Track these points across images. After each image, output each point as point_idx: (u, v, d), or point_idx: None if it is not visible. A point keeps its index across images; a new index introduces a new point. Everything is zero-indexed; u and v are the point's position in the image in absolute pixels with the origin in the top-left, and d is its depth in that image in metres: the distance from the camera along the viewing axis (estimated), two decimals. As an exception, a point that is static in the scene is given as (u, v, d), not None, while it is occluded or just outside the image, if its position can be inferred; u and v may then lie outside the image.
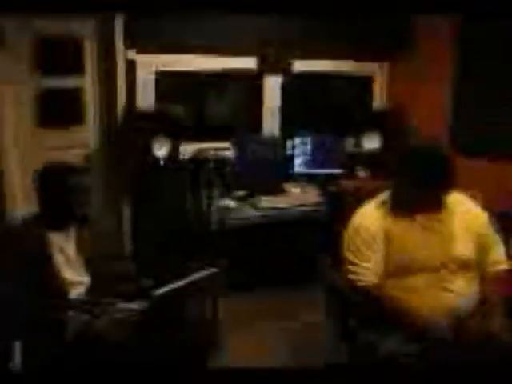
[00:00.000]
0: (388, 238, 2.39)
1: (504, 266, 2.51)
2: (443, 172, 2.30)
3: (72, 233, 2.48)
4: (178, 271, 2.57)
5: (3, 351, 2.25)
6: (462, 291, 2.36)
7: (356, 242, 2.42)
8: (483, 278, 2.46)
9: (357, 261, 2.40)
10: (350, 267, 2.42)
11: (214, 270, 2.63)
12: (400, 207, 2.43)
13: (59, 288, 2.36)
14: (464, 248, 2.42)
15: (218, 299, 3.20)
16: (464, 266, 2.40)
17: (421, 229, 2.41)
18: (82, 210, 2.46)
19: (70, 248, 2.46)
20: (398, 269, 2.37)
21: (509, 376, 2.07)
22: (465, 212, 2.49)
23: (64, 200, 2.39)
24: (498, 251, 2.52)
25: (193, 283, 2.51)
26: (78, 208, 2.43)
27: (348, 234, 2.47)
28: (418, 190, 2.35)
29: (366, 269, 2.38)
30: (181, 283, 2.46)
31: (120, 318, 2.35)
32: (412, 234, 2.40)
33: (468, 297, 2.37)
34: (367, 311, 2.41)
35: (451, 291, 2.35)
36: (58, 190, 2.39)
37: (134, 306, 2.42)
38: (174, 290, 2.41)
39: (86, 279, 2.48)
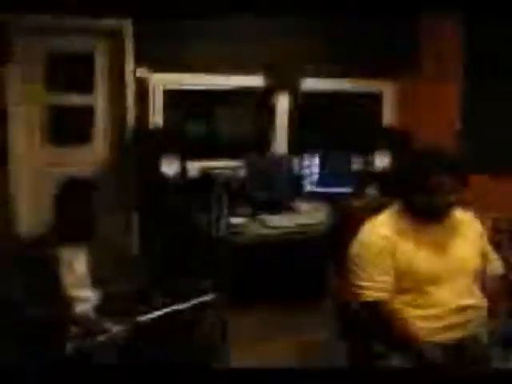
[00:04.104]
0: (396, 253, 2.34)
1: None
2: (451, 178, 2.27)
3: (83, 249, 2.47)
4: (184, 291, 2.55)
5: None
6: (475, 304, 2.35)
7: (363, 257, 2.38)
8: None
9: (364, 275, 2.36)
10: (357, 282, 2.38)
11: (215, 294, 2.60)
12: (408, 217, 2.40)
13: (64, 302, 2.34)
14: (474, 260, 2.41)
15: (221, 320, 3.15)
16: (475, 278, 2.39)
17: (430, 242, 2.37)
18: (92, 227, 2.45)
19: (80, 264, 2.44)
20: (409, 282, 2.33)
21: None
22: (467, 222, 2.49)
23: (76, 215, 2.38)
24: (495, 261, 2.53)
25: (194, 307, 2.49)
26: (89, 224, 2.42)
27: (355, 249, 2.43)
28: (426, 198, 2.31)
29: (374, 284, 2.33)
30: (180, 307, 2.44)
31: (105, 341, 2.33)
32: (423, 246, 2.36)
33: (480, 310, 2.36)
34: (373, 327, 2.37)
35: (465, 306, 2.32)
36: (68, 206, 2.38)
37: (120, 328, 2.40)
38: (166, 314, 2.40)
39: (93, 296, 2.46)
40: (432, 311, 2.29)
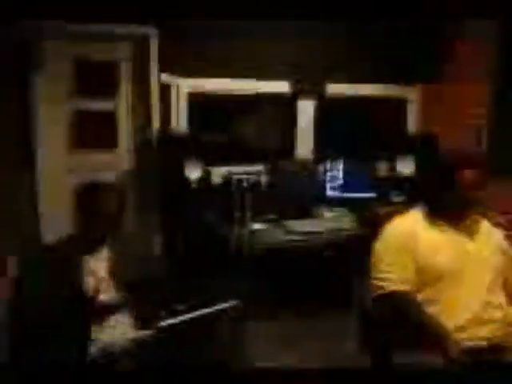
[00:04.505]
0: (417, 249, 2.37)
1: None
2: (474, 176, 2.34)
3: (104, 254, 2.47)
4: (206, 297, 2.54)
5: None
6: (498, 303, 2.35)
7: (385, 251, 2.42)
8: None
9: (387, 268, 2.38)
10: (379, 275, 2.40)
11: (237, 300, 2.59)
12: (434, 213, 2.45)
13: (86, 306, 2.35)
14: (495, 257, 2.43)
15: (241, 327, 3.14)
16: (496, 276, 2.40)
17: (455, 237, 2.41)
18: (115, 231, 2.45)
19: (102, 269, 2.45)
20: (430, 278, 2.34)
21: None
22: (489, 220, 2.54)
23: (97, 220, 2.38)
24: None
25: (215, 313, 2.49)
26: (111, 229, 2.43)
27: (377, 244, 2.48)
28: (448, 195, 2.38)
29: (396, 276, 2.36)
30: (201, 312, 2.44)
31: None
32: (445, 243, 2.39)
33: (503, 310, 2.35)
34: (391, 320, 2.37)
35: (489, 303, 2.32)
36: (92, 209, 2.38)
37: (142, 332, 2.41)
38: (188, 319, 2.39)
39: (116, 301, 2.47)
40: (453, 308, 2.29)
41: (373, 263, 2.45)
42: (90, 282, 2.38)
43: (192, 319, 2.40)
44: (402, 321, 2.32)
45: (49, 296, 2.26)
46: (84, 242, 2.41)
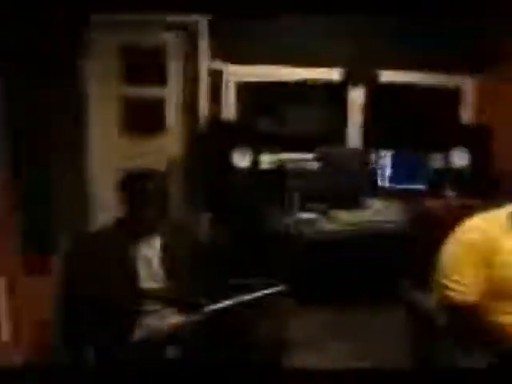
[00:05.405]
0: (495, 255, 2.18)
1: None
2: None
3: (156, 242, 2.47)
4: (251, 285, 2.51)
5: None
6: None
7: (459, 257, 2.24)
8: None
9: (456, 276, 2.22)
10: (447, 283, 2.25)
11: (279, 287, 2.55)
12: None
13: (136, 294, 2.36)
14: None
15: (285, 317, 3.10)
16: None
17: None
18: (164, 219, 2.45)
19: (153, 257, 2.44)
20: (504, 290, 2.18)
21: None
22: None
23: (148, 206, 2.38)
24: None
25: (256, 300, 2.45)
26: (161, 216, 2.42)
27: (449, 245, 2.30)
28: None
29: (466, 286, 2.20)
30: (242, 299, 2.41)
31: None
32: None
33: None
34: (456, 330, 2.26)
35: None
36: (142, 195, 2.38)
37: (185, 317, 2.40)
38: (233, 305, 2.36)
39: (163, 289, 2.46)
40: None
41: (441, 267, 2.29)
42: (141, 268, 2.38)
43: (234, 306, 2.37)
44: (468, 331, 2.22)
45: (99, 280, 2.28)
46: (136, 228, 2.41)
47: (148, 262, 2.41)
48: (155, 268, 2.42)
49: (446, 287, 2.24)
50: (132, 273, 2.35)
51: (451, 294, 2.22)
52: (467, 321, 2.21)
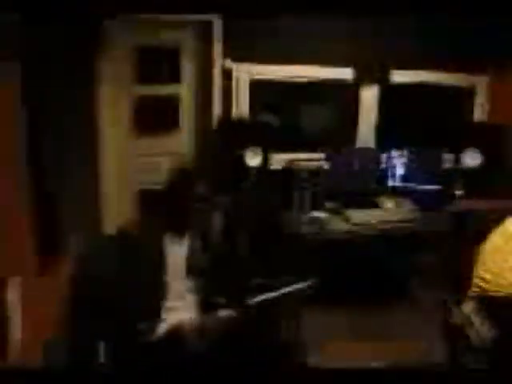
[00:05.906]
0: None
1: None
2: None
3: (186, 241, 2.50)
4: (267, 283, 2.54)
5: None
6: None
7: (498, 248, 2.27)
8: None
9: (493, 268, 2.24)
10: (481, 274, 2.27)
11: (300, 285, 2.57)
12: None
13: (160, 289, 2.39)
14: None
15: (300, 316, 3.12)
16: None
17: None
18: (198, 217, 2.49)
19: (180, 254, 2.48)
20: None
21: None
22: None
23: (184, 205, 2.42)
24: None
25: (281, 297, 2.48)
26: (194, 215, 2.46)
27: (492, 238, 2.33)
28: None
29: (500, 279, 2.22)
30: (271, 295, 2.43)
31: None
32: None
33: None
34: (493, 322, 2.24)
35: None
36: (178, 194, 2.42)
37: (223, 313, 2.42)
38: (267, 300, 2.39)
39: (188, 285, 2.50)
40: None
41: (481, 260, 2.31)
42: (168, 265, 2.42)
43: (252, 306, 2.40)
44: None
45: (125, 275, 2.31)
46: (168, 227, 2.45)
47: (175, 259, 2.44)
48: (180, 266, 2.46)
49: (479, 278, 2.25)
50: (159, 269, 2.39)
51: (483, 285, 2.23)
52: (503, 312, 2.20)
